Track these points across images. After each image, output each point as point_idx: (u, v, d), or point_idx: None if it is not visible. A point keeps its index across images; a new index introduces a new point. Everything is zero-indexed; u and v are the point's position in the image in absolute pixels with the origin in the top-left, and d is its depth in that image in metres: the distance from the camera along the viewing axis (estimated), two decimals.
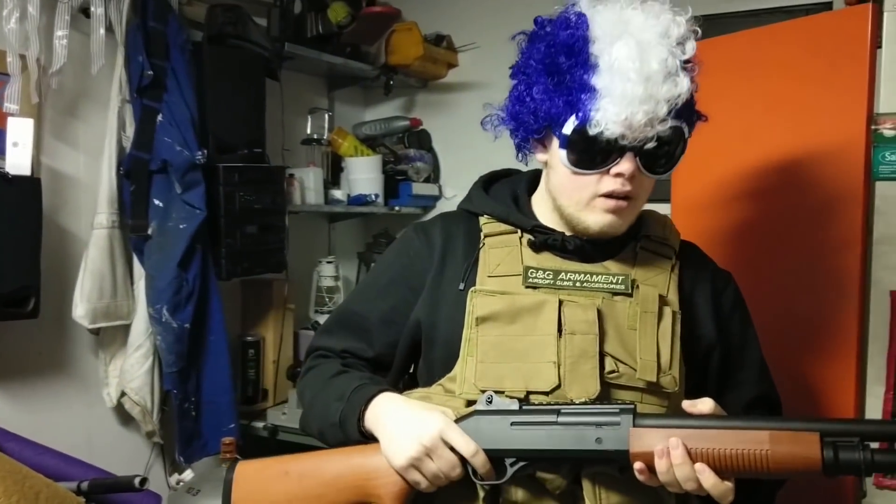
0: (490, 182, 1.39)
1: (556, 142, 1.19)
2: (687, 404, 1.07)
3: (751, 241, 1.89)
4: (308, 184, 3.01)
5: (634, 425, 1.04)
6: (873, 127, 1.66)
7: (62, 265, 2.33)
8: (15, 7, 2.08)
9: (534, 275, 1.21)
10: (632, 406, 1.07)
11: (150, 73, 2.34)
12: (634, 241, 1.27)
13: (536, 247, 1.25)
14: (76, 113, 2.37)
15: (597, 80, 1.11)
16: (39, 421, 2.25)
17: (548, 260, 1.24)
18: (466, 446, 1.08)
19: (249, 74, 2.66)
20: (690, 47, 1.13)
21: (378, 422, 1.15)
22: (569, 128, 1.14)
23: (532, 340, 1.16)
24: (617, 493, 1.11)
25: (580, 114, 1.12)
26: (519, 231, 1.27)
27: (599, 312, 1.16)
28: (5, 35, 2.09)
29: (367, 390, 1.19)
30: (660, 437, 1.03)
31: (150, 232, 2.38)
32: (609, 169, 1.15)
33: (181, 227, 2.37)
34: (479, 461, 1.08)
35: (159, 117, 2.37)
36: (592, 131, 1.11)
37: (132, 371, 2.40)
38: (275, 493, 1.15)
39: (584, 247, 1.24)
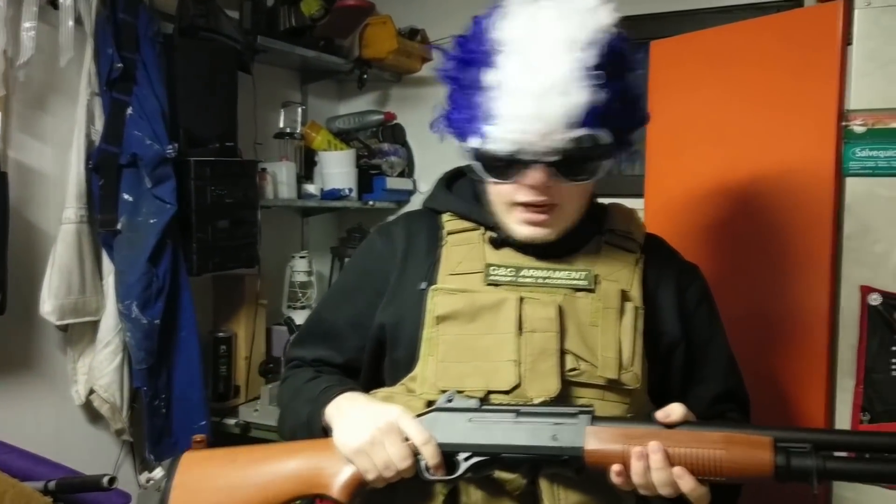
0: (453, 179, 1.38)
1: None
2: (660, 415, 1.05)
3: (722, 236, 1.91)
4: (281, 178, 2.99)
5: (591, 424, 1.05)
6: (844, 123, 1.67)
7: (29, 260, 2.29)
8: None
9: (495, 272, 1.20)
10: (591, 408, 1.07)
11: (120, 65, 2.31)
12: (599, 234, 1.27)
13: (498, 244, 1.24)
14: (44, 106, 2.33)
15: (489, 97, 1.09)
16: (5, 419, 2.22)
17: (510, 257, 1.23)
18: (420, 434, 1.07)
19: (221, 67, 2.63)
20: (594, 54, 1.07)
21: (336, 414, 1.16)
22: (472, 142, 1.14)
23: (492, 339, 1.15)
24: (575, 493, 1.11)
25: (478, 130, 1.11)
26: (481, 228, 1.26)
27: (560, 309, 1.15)
28: None
29: (334, 390, 1.20)
30: (615, 436, 1.03)
31: (119, 227, 2.35)
32: (519, 180, 1.14)
33: (151, 221, 2.35)
34: (430, 451, 1.07)
35: (129, 110, 2.34)
36: (488, 148, 1.11)
37: (101, 368, 2.37)
38: (218, 482, 1.13)
39: (544, 244, 1.22)
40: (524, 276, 1.20)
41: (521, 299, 1.16)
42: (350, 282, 1.38)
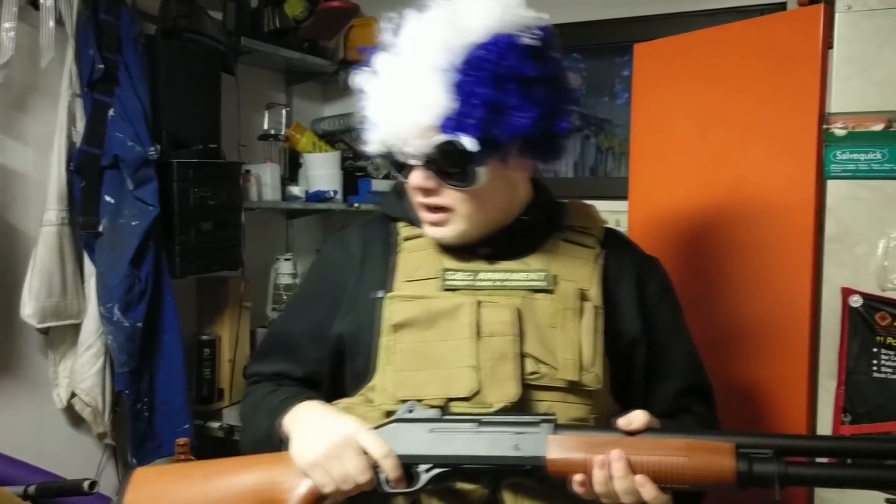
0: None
1: None
2: (622, 422, 1.04)
3: (705, 238, 1.92)
4: (265, 180, 2.97)
5: (553, 433, 1.04)
6: (825, 126, 1.68)
7: (10, 263, 2.27)
8: None
9: (451, 277, 1.19)
10: (553, 416, 1.06)
11: (102, 66, 2.29)
12: (557, 231, 1.25)
13: (449, 250, 1.22)
14: (25, 107, 2.31)
15: (363, 108, 1.15)
16: None
17: (467, 261, 1.21)
18: (379, 448, 1.06)
19: (204, 69, 2.61)
20: (458, 60, 1.07)
21: (293, 425, 1.14)
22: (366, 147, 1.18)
23: (450, 345, 1.13)
24: (539, 503, 1.10)
25: (365, 134, 1.16)
26: None
27: (519, 312, 1.14)
28: None
29: (291, 400, 1.18)
30: (577, 445, 1.02)
31: (101, 229, 2.33)
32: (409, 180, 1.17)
33: (133, 223, 2.33)
34: (390, 464, 1.05)
35: (111, 112, 2.32)
36: (369, 150, 1.16)
37: (83, 371, 2.35)
38: (172, 498, 1.10)
39: (499, 246, 1.22)
40: (481, 280, 1.18)
41: (479, 303, 1.15)
42: (308, 293, 1.36)
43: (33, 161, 2.33)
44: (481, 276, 1.18)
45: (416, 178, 1.14)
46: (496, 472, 1.06)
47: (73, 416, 2.46)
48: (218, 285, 2.87)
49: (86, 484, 1.64)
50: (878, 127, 1.64)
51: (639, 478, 0.99)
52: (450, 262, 1.21)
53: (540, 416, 1.06)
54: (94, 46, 2.29)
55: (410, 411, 1.09)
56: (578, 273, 1.20)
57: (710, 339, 1.85)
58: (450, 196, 1.15)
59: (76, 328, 2.37)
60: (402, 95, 1.09)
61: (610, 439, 1.02)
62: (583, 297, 1.17)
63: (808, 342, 1.70)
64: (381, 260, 1.26)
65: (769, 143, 1.78)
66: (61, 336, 2.39)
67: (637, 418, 1.04)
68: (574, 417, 1.13)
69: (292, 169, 3.28)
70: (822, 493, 1.68)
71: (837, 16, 1.66)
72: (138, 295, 2.33)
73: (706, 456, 0.98)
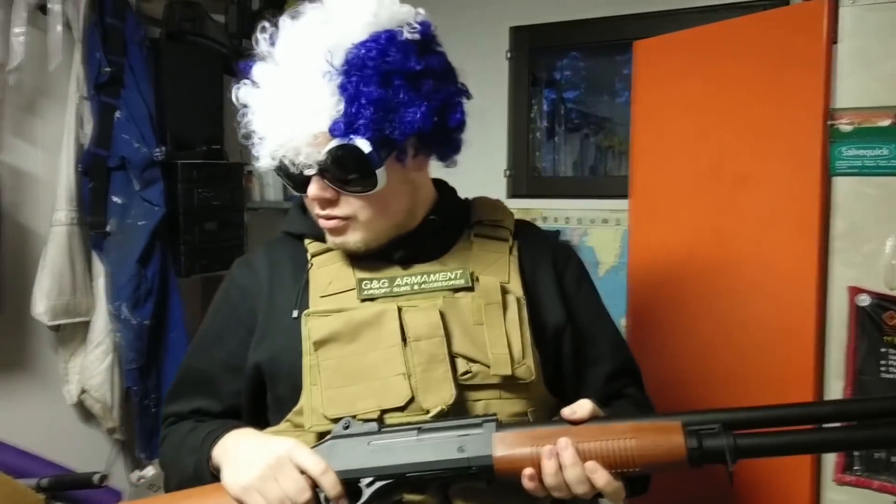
0: None
1: None
2: (566, 412, 1.01)
3: (708, 237, 1.89)
4: (267, 180, 3.01)
5: (497, 431, 1.00)
6: (830, 122, 1.64)
7: (22, 262, 2.32)
8: None
9: (368, 286, 1.14)
10: (494, 416, 1.02)
11: (108, 69, 2.34)
12: (468, 228, 1.23)
13: (361, 259, 1.18)
14: (35, 110, 2.36)
15: (248, 123, 1.11)
16: None
17: (381, 269, 1.17)
18: (316, 465, 1.00)
19: (208, 71, 2.66)
20: (339, 63, 1.04)
21: (223, 454, 1.08)
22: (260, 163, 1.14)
23: (377, 355, 1.09)
24: None
25: (256, 150, 1.11)
26: None
27: (442, 313, 1.10)
28: None
29: (217, 432, 1.12)
30: (523, 439, 0.99)
31: (109, 229, 2.38)
32: (305, 193, 1.12)
33: (140, 223, 2.38)
34: (329, 480, 0.99)
35: (117, 114, 2.37)
36: (260, 165, 1.11)
37: (92, 368, 2.40)
38: None
39: (412, 249, 1.18)
40: (399, 286, 1.14)
41: (401, 309, 1.11)
42: (217, 324, 1.27)
43: (43, 162, 2.38)
44: (398, 282, 1.15)
45: (313, 189, 1.09)
46: (443, 479, 1.02)
47: (84, 412, 2.50)
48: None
49: (96, 477, 1.68)
50: (886, 122, 1.59)
51: (589, 464, 0.96)
52: (363, 273, 1.17)
53: (482, 418, 1.02)
54: (100, 50, 2.34)
55: (346, 427, 1.04)
56: (496, 267, 1.18)
57: (714, 340, 1.85)
58: (349, 204, 1.11)
59: (86, 326, 2.42)
60: (288, 104, 1.05)
61: (556, 430, 0.99)
62: (504, 290, 1.14)
63: (814, 343, 1.66)
64: (291, 280, 1.21)
65: (772, 140, 1.75)
66: (72, 333, 2.44)
67: (582, 407, 1.01)
68: (512, 413, 1.10)
69: None
70: (831, 496, 1.64)
71: (842, 9, 1.61)
72: (145, 293, 2.38)
73: (654, 436, 0.96)
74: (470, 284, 1.14)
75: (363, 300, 1.14)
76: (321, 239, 1.20)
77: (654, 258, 2.03)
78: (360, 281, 1.15)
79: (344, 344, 1.10)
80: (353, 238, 1.14)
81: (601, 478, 0.96)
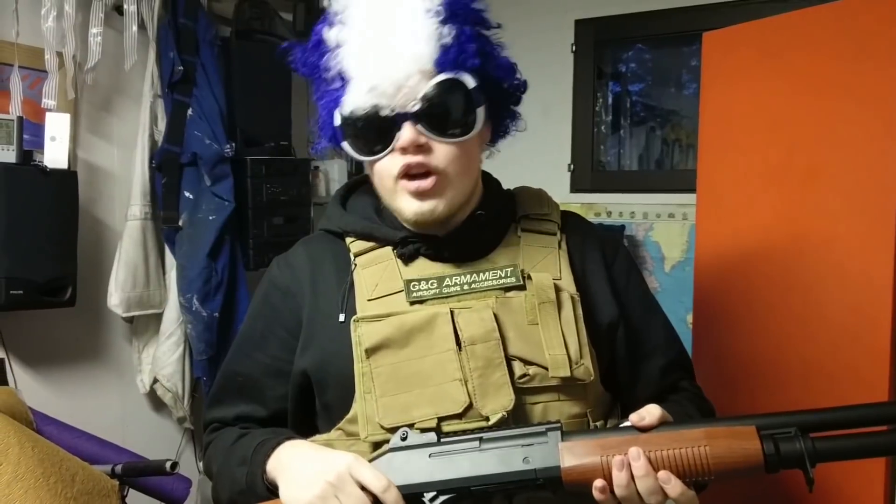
0: (348, 194, 1.26)
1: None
2: (634, 418, 0.96)
3: (778, 231, 1.85)
4: (333, 175, 3.05)
5: (563, 440, 0.95)
6: None
7: (97, 255, 2.40)
8: (52, 6, 2.15)
9: (416, 288, 1.09)
10: (558, 423, 0.98)
11: (181, 68, 2.40)
12: (514, 223, 1.18)
13: (408, 258, 1.13)
14: (110, 108, 2.44)
15: (338, 64, 1.05)
16: (76, 406, 2.32)
17: (427, 268, 1.12)
18: (377, 482, 0.95)
19: (276, 69, 2.69)
20: None
21: (279, 468, 1.04)
22: (336, 119, 1.08)
23: (431, 361, 1.04)
24: None
25: (339, 102, 1.06)
26: (388, 245, 1.15)
27: (495, 314, 1.06)
28: (43, 33, 2.16)
29: (269, 444, 1.08)
30: (591, 449, 0.94)
31: (181, 223, 2.44)
32: (394, 146, 1.05)
33: (210, 218, 2.44)
34: (392, 497, 0.95)
35: (189, 111, 2.43)
36: (346, 113, 1.04)
37: (164, 358, 2.47)
38: None
39: (460, 246, 1.13)
40: (448, 286, 1.09)
41: (453, 311, 1.06)
42: (258, 327, 1.21)
43: (118, 159, 2.46)
44: (447, 282, 1.10)
45: (408, 134, 1.03)
46: (508, 491, 0.98)
47: (155, 401, 2.58)
48: None
49: (168, 464, 1.71)
50: None
51: (662, 474, 0.91)
52: (410, 273, 1.11)
53: (545, 425, 0.97)
54: (173, 49, 2.40)
55: (404, 438, 1.00)
56: (546, 263, 1.13)
57: (785, 337, 1.80)
58: (441, 154, 1.06)
59: (158, 317, 2.50)
60: (389, 40, 1.01)
61: (625, 439, 0.94)
62: (557, 287, 1.09)
63: (890, 339, 1.61)
64: (335, 281, 1.15)
65: (847, 133, 1.69)
66: (144, 325, 2.51)
67: (650, 413, 0.96)
68: (571, 415, 1.06)
69: (359, 164, 3.34)
70: None
71: None
72: (215, 286, 2.44)
73: (728, 442, 0.91)
74: (521, 282, 1.10)
75: (412, 303, 1.09)
76: (364, 237, 1.16)
77: (722, 253, 2.00)
78: (409, 282, 1.10)
79: (396, 350, 1.05)
80: (443, 202, 1.08)
81: (675, 488, 0.92)
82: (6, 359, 2.18)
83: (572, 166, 2.96)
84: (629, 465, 0.92)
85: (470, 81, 1.04)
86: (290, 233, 2.70)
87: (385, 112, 1.02)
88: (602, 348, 1.14)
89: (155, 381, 2.51)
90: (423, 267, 1.12)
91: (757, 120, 1.91)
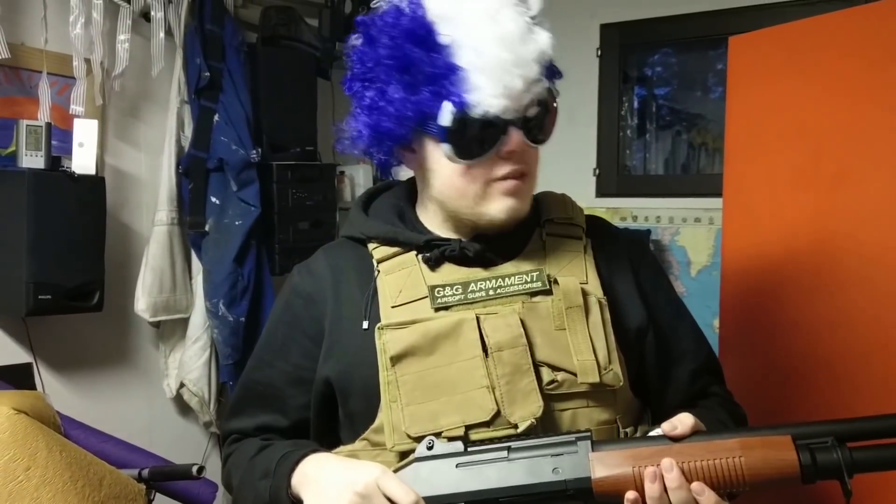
0: (370, 199, 1.24)
1: (428, 142, 1.08)
2: (667, 427, 0.94)
3: (805, 236, 1.83)
4: (358, 180, 3.06)
5: (593, 450, 0.93)
6: None
7: (125, 260, 2.42)
8: (80, 13, 2.17)
9: (441, 293, 1.07)
10: (588, 432, 0.96)
11: (207, 74, 2.42)
12: (538, 227, 1.16)
13: (433, 262, 1.11)
14: (137, 114, 2.46)
15: (460, 59, 1.00)
16: (103, 410, 2.34)
17: (452, 273, 1.10)
18: (405, 495, 0.93)
19: (301, 74, 2.72)
20: (535, 2, 1.05)
21: (305, 481, 1.02)
22: (446, 118, 1.01)
23: (458, 368, 1.02)
24: None
25: (455, 99, 1.00)
26: (413, 250, 1.13)
27: (521, 320, 1.05)
28: (71, 40, 2.18)
29: (293, 456, 1.06)
30: (622, 459, 0.92)
31: (207, 228, 2.46)
32: (498, 150, 1.04)
33: (237, 223, 2.45)
34: None
35: (216, 117, 2.45)
36: (475, 113, 1.00)
37: (190, 363, 2.48)
38: None
39: (485, 251, 1.11)
40: (474, 292, 1.07)
41: (479, 317, 1.05)
42: (279, 334, 1.19)
43: (146, 164, 2.48)
44: (472, 287, 1.08)
45: (518, 139, 1.04)
46: (536, 502, 0.95)
47: (182, 405, 2.60)
48: None
49: (194, 469, 1.72)
50: None
51: (695, 486, 0.89)
52: (434, 279, 1.09)
53: (574, 434, 0.96)
54: (200, 55, 2.42)
55: (430, 448, 0.98)
56: (572, 267, 1.11)
57: (815, 342, 1.78)
58: (532, 158, 1.09)
59: (185, 322, 2.51)
60: (518, 48, 1.00)
61: (657, 449, 0.92)
62: (584, 292, 1.08)
63: None
64: (358, 288, 1.13)
65: (875, 137, 1.67)
66: (171, 329, 2.53)
67: (683, 423, 0.94)
68: (601, 421, 1.05)
69: (384, 170, 3.34)
70: None
71: None
72: (241, 291, 2.45)
73: (764, 452, 0.89)
74: (548, 287, 1.08)
75: (437, 309, 1.07)
76: (387, 242, 1.14)
77: (749, 257, 1.98)
78: (433, 288, 1.08)
79: (422, 357, 1.04)
80: (526, 202, 1.11)
81: (709, 500, 0.89)
82: (34, 363, 2.20)
83: (598, 171, 2.95)
84: (661, 476, 0.90)
85: (556, 90, 1.07)
86: (316, 238, 2.70)
87: (507, 114, 1.01)
88: (631, 354, 1.12)
89: (181, 385, 2.52)
90: (448, 272, 1.11)
91: (784, 124, 1.90)
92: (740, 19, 2.61)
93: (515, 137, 1.03)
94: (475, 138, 1.03)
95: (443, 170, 1.08)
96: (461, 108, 1.00)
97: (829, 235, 1.79)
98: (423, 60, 1.01)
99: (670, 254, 2.81)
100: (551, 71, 1.08)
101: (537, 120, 1.05)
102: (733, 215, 2.06)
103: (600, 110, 2.95)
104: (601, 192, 2.95)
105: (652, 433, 1.00)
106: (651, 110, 3.09)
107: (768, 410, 1.83)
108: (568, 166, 2.78)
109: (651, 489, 0.90)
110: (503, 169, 1.05)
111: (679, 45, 2.99)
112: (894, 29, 1.66)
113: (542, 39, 1.02)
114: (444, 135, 1.03)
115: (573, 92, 2.85)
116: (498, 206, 1.07)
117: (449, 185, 1.09)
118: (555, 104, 1.08)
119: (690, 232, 2.79)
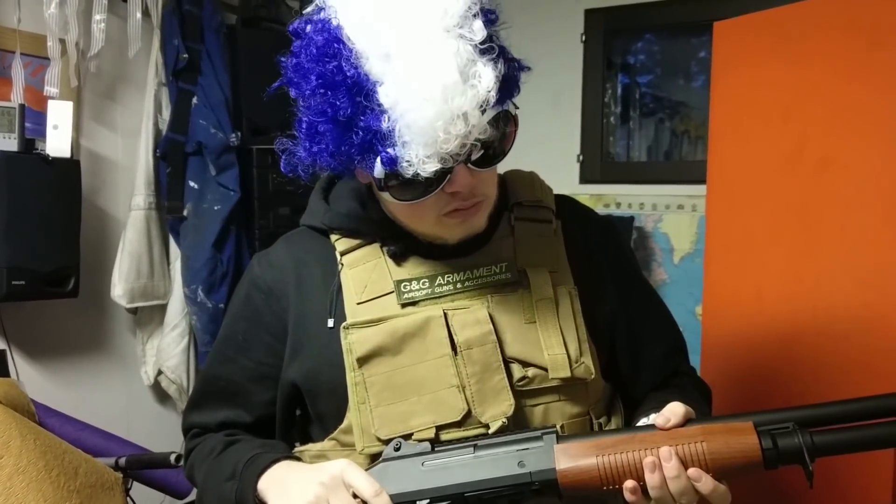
0: (329, 186, 1.17)
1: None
2: (660, 421, 0.92)
3: (792, 222, 1.83)
4: None
5: (558, 443, 0.93)
6: None
7: (101, 246, 2.39)
8: None
9: (408, 288, 1.04)
10: (554, 427, 0.96)
11: (186, 56, 2.38)
12: (507, 212, 1.10)
13: (399, 256, 1.06)
14: (114, 96, 2.42)
15: (390, 111, 0.87)
16: (79, 398, 2.31)
17: (418, 266, 1.05)
18: (368, 487, 0.91)
19: (282, 56, 2.67)
20: (478, 25, 0.87)
21: (272, 487, 0.99)
22: (379, 171, 0.91)
23: (427, 367, 1.00)
24: None
25: (385, 157, 0.89)
26: (376, 242, 1.07)
27: (490, 315, 1.02)
28: (45, 20, 2.14)
29: (261, 460, 1.02)
30: (588, 450, 0.92)
31: (185, 213, 2.42)
32: (445, 188, 0.94)
33: (216, 208, 2.41)
34: (382, 503, 0.92)
35: (194, 100, 2.41)
36: (407, 172, 0.88)
37: (168, 350, 2.45)
38: None
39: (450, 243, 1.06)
40: (441, 285, 1.04)
41: (446, 314, 1.01)
42: (240, 329, 1.14)
43: (122, 148, 2.44)
44: (439, 280, 1.04)
45: (465, 179, 0.93)
46: (508, 497, 0.95)
47: (159, 393, 2.57)
48: None
49: (172, 457, 1.71)
50: None
51: (692, 471, 0.88)
52: (400, 273, 1.05)
53: (541, 430, 0.95)
54: (178, 36, 2.38)
55: (397, 448, 0.98)
56: (543, 255, 1.07)
57: (797, 329, 1.78)
58: (486, 180, 0.99)
59: (163, 309, 2.48)
60: (447, 90, 0.85)
61: (621, 438, 0.92)
62: (554, 282, 1.05)
63: None
64: (321, 282, 1.08)
65: (860, 122, 1.67)
66: (149, 316, 2.50)
67: (675, 413, 0.92)
68: (573, 414, 1.03)
69: None
70: None
71: None
72: (220, 277, 2.42)
73: (726, 438, 0.90)
74: (517, 278, 1.04)
75: (404, 305, 1.03)
76: (350, 234, 1.09)
77: (732, 244, 1.98)
78: (399, 283, 1.04)
79: (390, 357, 1.01)
80: (482, 217, 1.02)
81: (707, 484, 0.88)
82: (8, 350, 2.16)
83: (581, 157, 2.94)
84: (661, 465, 0.89)
85: (513, 108, 0.96)
86: (297, 223, 2.67)
87: (446, 164, 0.89)
88: (602, 340, 1.10)
89: (159, 372, 2.49)
90: (414, 265, 1.06)
91: (768, 109, 1.90)
92: (725, 5, 2.60)
93: (461, 178, 0.93)
94: (418, 183, 0.92)
95: (389, 201, 1.00)
96: (392, 166, 0.89)
97: (812, 222, 1.79)
98: (342, 108, 0.89)
99: (653, 241, 2.81)
100: (508, 90, 0.94)
101: (492, 148, 0.95)
102: (717, 202, 2.06)
103: (584, 97, 2.93)
104: (585, 178, 2.94)
105: (640, 424, 0.99)
106: (634, 97, 3.08)
107: (750, 397, 1.84)
108: (552, 152, 2.77)
109: (651, 479, 0.89)
110: (453, 204, 0.98)
111: (662, 32, 2.99)
112: (879, 14, 1.66)
113: (486, 79, 0.86)
114: (381, 183, 0.94)
115: (558, 78, 2.83)
116: (453, 232, 1.03)
117: (398, 214, 1.04)
118: (513, 122, 0.96)
119: (673, 219, 2.79)
